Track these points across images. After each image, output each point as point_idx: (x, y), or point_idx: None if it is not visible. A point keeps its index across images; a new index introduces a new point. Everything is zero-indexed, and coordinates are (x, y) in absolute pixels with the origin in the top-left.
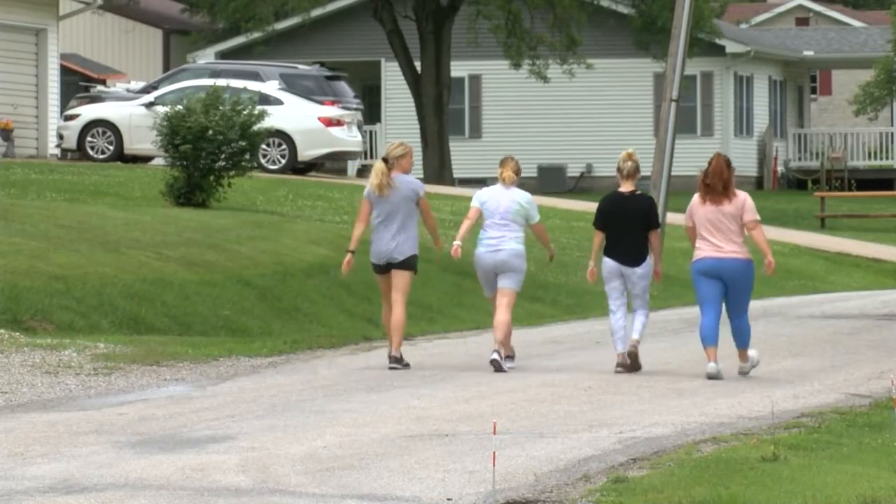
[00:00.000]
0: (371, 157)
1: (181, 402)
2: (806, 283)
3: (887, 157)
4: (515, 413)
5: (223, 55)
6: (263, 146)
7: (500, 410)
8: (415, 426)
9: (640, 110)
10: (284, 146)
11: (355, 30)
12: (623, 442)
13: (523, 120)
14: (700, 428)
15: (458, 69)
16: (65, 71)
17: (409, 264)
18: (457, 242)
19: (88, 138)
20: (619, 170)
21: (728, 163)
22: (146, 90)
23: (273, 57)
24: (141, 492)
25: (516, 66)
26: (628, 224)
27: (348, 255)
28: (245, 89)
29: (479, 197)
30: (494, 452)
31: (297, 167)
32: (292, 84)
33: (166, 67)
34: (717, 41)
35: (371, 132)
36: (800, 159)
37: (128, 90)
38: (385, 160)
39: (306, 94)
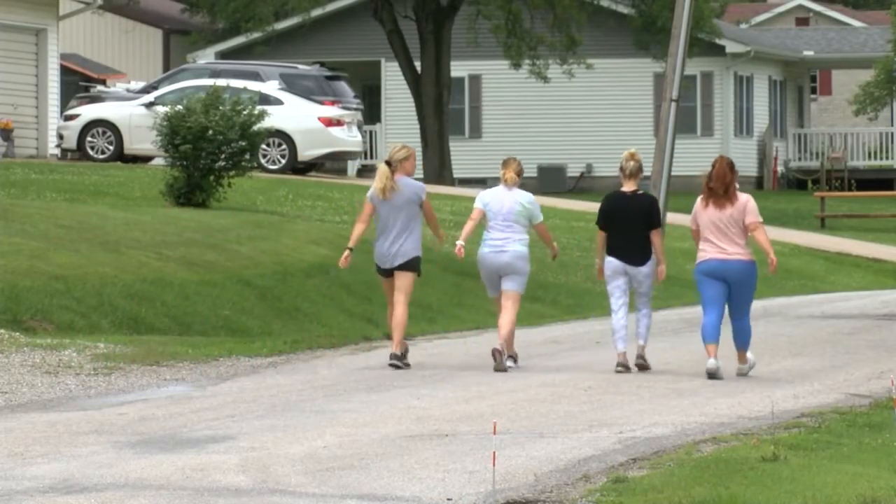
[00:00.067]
0: (371, 157)
1: (181, 402)
2: (806, 283)
3: (887, 157)
4: (515, 413)
5: (223, 55)
6: (263, 146)
7: (500, 410)
8: (415, 426)
9: (640, 110)
10: (284, 146)
11: (355, 30)
12: (623, 442)
13: (523, 120)
14: (700, 428)
15: (458, 69)
16: (65, 71)
17: (411, 265)
18: (460, 242)
19: (88, 138)
20: (621, 169)
21: (731, 166)
22: (146, 90)
23: (273, 57)
24: (141, 492)
25: (516, 66)
26: (631, 224)
27: (346, 252)
28: (245, 89)
29: (482, 198)
30: (494, 452)
31: (297, 167)
32: (292, 84)
33: (166, 67)
34: (717, 41)
35: (371, 132)
36: (800, 159)
37: (128, 90)
38: (388, 163)
39: (306, 94)
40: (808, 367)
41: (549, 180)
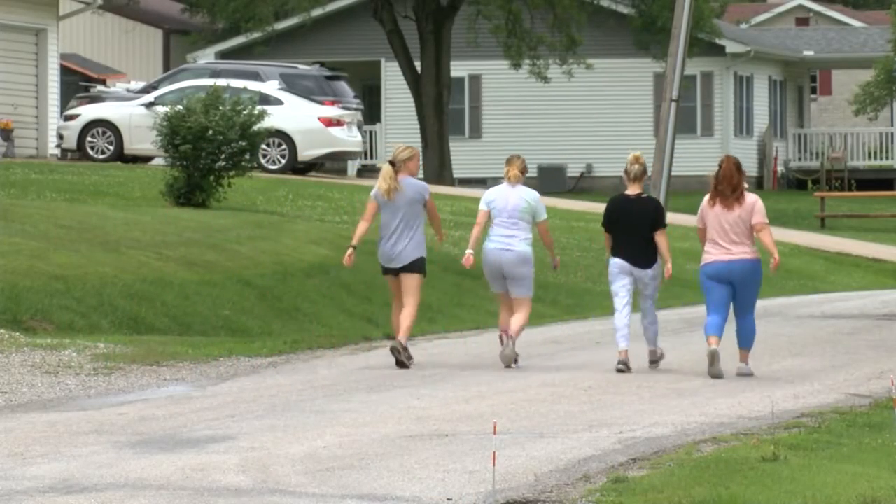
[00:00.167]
0: (371, 157)
1: (181, 402)
2: (806, 283)
3: (887, 157)
4: (515, 413)
5: (223, 55)
6: (263, 146)
7: (500, 410)
8: (415, 426)
9: (640, 110)
10: (284, 146)
11: (355, 30)
12: (623, 442)
13: (523, 120)
14: (700, 428)
15: (458, 69)
16: (65, 71)
17: (416, 267)
18: (469, 251)
19: (88, 138)
20: (626, 172)
21: (738, 166)
22: (146, 90)
23: (273, 57)
24: (141, 492)
25: (516, 66)
26: (635, 226)
27: (350, 250)
28: (245, 89)
29: (486, 198)
30: (494, 452)
31: (297, 167)
32: (292, 84)
33: (166, 67)
34: (717, 41)
35: (371, 132)
36: (800, 159)
37: (128, 90)
38: (392, 163)
39: (306, 94)
40: (808, 367)
41: (549, 180)
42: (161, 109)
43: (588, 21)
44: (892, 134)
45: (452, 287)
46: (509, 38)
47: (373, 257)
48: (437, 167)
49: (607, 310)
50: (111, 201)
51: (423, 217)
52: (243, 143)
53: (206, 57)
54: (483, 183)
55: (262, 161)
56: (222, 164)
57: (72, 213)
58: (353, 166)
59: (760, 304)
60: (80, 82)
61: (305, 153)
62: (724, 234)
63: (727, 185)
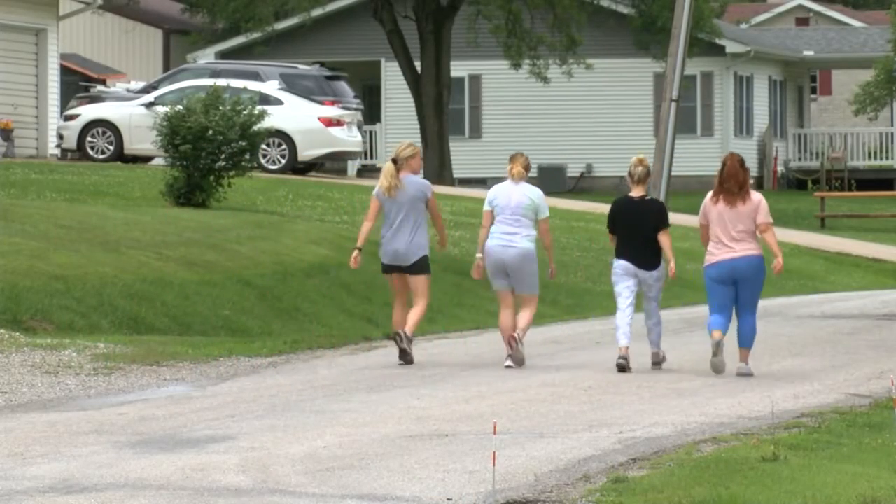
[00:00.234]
0: (371, 157)
1: (181, 402)
2: (806, 283)
3: (887, 157)
4: (515, 413)
5: (223, 55)
6: (263, 146)
7: (500, 410)
8: (415, 426)
9: (640, 110)
10: (284, 146)
11: (355, 30)
12: (623, 442)
13: (523, 120)
14: (700, 428)
15: (458, 69)
16: (65, 71)
17: (420, 267)
18: (479, 256)
19: (88, 138)
20: (629, 174)
21: (742, 163)
22: (146, 90)
23: (273, 57)
24: (141, 492)
25: (516, 66)
26: (639, 228)
27: (356, 252)
28: (245, 89)
29: (489, 197)
30: (494, 452)
31: (297, 167)
32: (292, 84)
33: (166, 67)
34: (717, 41)
35: (371, 132)
36: (800, 159)
37: (128, 90)
38: (394, 161)
39: (306, 94)
40: (808, 367)
41: (549, 180)
42: (161, 109)
43: (588, 21)
44: (892, 134)
45: (452, 287)
46: (509, 38)
47: (373, 257)
48: (437, 167)
49: (608, 310)
50: (111, 201)
51: (425, 216)
52: (243, 143)
53: (206, 57)
54: (483, 183)
55: (262, 161)
56: (222, 164)
57: (72, 213)
58: (353, 166)
59: (761, 304)
60: (80, 82)
61: (305, 153)
62: (726, 232)
63: (734, 182)
